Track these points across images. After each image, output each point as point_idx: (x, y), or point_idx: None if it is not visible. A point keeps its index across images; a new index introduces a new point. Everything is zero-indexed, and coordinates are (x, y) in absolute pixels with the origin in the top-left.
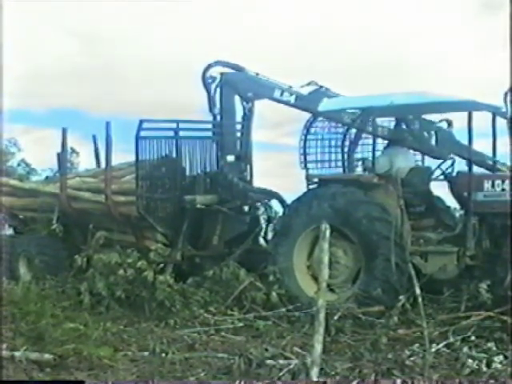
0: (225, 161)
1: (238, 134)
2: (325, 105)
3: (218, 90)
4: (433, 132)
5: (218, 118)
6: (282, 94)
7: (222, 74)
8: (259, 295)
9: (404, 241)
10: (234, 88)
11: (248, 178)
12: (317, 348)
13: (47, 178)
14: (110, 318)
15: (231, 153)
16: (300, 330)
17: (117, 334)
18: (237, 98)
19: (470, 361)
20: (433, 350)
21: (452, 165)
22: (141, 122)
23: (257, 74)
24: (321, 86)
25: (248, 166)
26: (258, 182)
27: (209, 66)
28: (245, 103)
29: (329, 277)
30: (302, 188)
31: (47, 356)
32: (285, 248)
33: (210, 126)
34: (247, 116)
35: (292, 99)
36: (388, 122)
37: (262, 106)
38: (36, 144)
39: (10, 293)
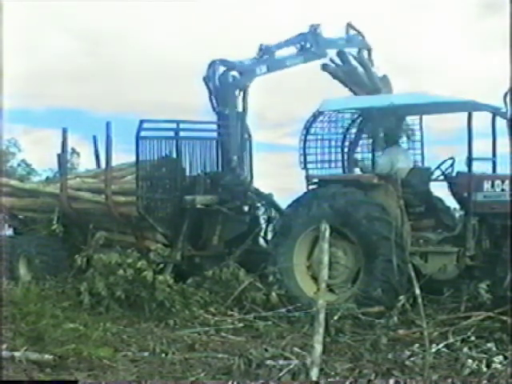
0: (233, 161)
1: (239, 134)
2: (325, 105)
3: (220, 89)
4: None
5: (222, 117)
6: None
7: (222, 73)
8: (259, 296)
9: (404, 241)
10: (235, 85)
11: (248, 178)
12: (317, 348)
13: (47, 178)
14: (110, 318)
15: (236, 153)
16: (300, 330)
17: (117, 335)
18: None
19: (469, 361)
20: (433, 350)
21: (452, 165)
22: (141, 122)
23: (240, 62)
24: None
25: (249, 166)
26: (258, 183)
27: (209, 66)
28: (244, 96)
29: (329, 277)
30: (302, 188)
31: (47, 356)
32: (285, 248)
33: (210, 126)
34: (243, 112)
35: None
36: None
37: (262, 107)
38: (36, 144)
39: (9, 293)
